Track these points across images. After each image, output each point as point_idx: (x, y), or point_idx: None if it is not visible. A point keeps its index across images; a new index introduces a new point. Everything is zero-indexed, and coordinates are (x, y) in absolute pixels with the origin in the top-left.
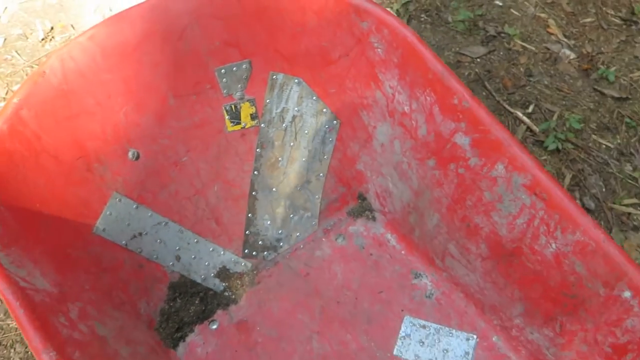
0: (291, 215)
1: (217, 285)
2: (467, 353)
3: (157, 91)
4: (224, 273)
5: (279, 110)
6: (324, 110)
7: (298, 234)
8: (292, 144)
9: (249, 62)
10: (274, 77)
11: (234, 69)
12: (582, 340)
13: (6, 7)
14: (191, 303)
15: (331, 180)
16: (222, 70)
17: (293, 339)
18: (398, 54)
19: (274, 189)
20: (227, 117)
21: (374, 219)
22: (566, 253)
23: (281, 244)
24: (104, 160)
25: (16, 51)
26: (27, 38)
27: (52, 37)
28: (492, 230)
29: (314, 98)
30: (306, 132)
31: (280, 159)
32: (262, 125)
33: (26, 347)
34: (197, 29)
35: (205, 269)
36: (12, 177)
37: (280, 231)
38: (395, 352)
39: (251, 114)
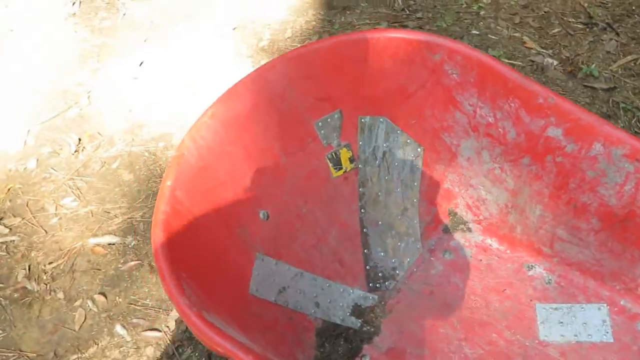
0: (399, 244)
1: (355, 322)
2: (604, 321)
3: (271, 153)
4: (357, 310)
5: (371, 150)
6: (408, 140)
7: (408, 259)
8: (386, 177)
9: (339, 112)
10: (363, 120)
11: (329, 120)
12: None
13: (29, 130)
14: (338, 345)
15: (423, 204)
16: (320, 124)
17: (445, 351)
18: (474, 74)
19: (380, 222)
20: (330, 164)
21: (469, 230)
22: None
23: (397, 271)
24: (243, 224)
25: (52, 168)
26: (59, 154)
27: (83, 147)
28: (602, 203)
29: (398, 132)
30: (396, 164)
31: (379, 193)
32: (360, 166)
33: None
34: (293, 91)
35: (341, 309)
36: (184, 253)
37: (393, 260)
38: (541, 338)
39: (349, 158)
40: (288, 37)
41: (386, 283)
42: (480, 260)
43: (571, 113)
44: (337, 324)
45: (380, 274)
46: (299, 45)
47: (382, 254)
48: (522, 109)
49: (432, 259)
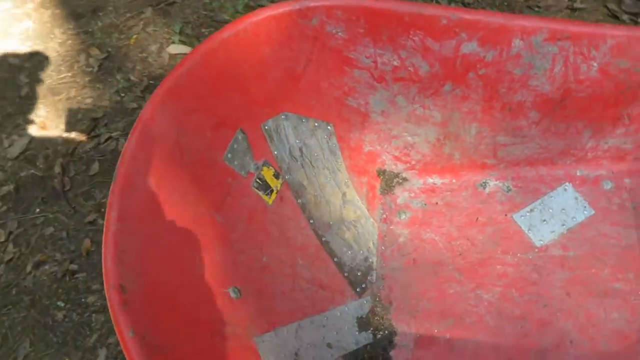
0: (357, 232)
1: (367, 336)
2: (576, 198)
3: (203, 220)
4: (361, 322)
5: (287, 153)
6: (316, 124)
7: (371, 241)
8: (313, 173)
9: (241, 131)
10: (266, 127)
11: (235, 146)
12: None
13: None
14: None
15: (354, 179)
16: (229, 155)
17: (468, 309)
18: (362, 24)
19: (331, 222)
20: (261, 194)
21: (405, 179)
22: (608, 62)
23: (370, 259)
24: (227, 320)
25: None
26: None
27: None
28: (536, 94)
29: (304, 120)
30: (316, 154)
31: (316, 194)
32: (287, 176)
33: None
34: (186, 135)
35: (350, 333)
36: None
37: (361, 251)
38: (538, 245)
39: (273, 175)
40: (52, 71)
41: (368, 278)
42: (436, 203)
43: (479, 22)
44: (356, 350)
45: (359, 273)
46: (61, 75)
47: (349, 252)
48: (428, 37)
49: (391, 227)
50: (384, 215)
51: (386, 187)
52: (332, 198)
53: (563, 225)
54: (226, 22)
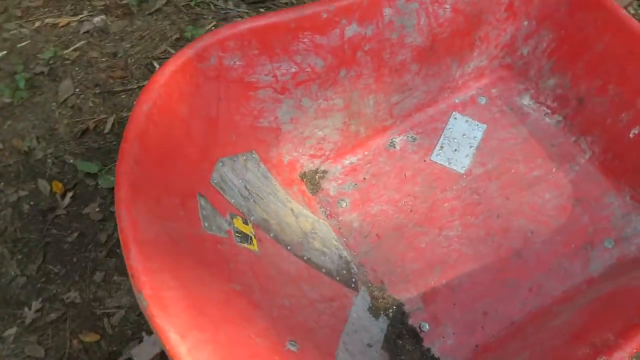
0: (319, 238)
1: (384, 319)
2: (466, 121)
3: (229, 295)
4: (373, 311)
5: (240, 195)
6: (244, 157)
7: (332, 237)
8: (263, 204)
9: (200, 195)
10: (214, 181)
11: (204, 212)
12: None
13: None
14: (401, 347)
15: (289, 192)
16: (205, 224)
17: (445, 251)
18: (254, 45)
19: (300, 239)
20: (245, 245)
21: (325, 172)
22: (456, 0)
23: (343, 255)
24: None
25: None
26: None
27: None
28: (412, 48)
29: (234, 159)
30: (257, 185)
31: (277, 221)
32: (251, 218)
33: None
34: (166, 224)
35: (372, 325)
36: None
37: (333, 253)
38: (463, 171)
39: (243, 222)
40: None
41: (352, 271)
42: (364, 178)
43: (353, 3)
44: (385, 336)
45: (344, 272)
46: None
47: (326, 258)
48: (315, 35)
49: (340, 219)
50: (327, 211)
51: (312, 186)
52: (287, 219)
53: (471, 147)
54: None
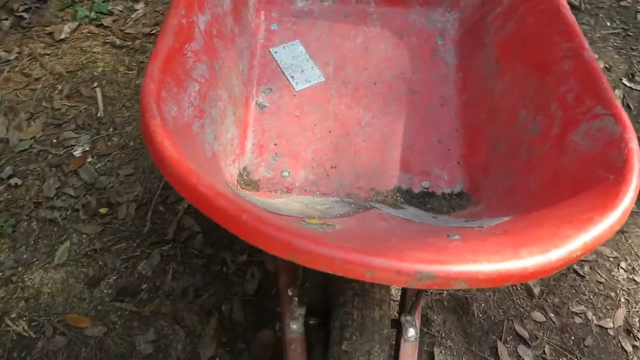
0: (306, 203)
1: (404, 205)
2: (312, 67)
3: None
4: (391, 208)
5: None
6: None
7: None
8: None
9: None
10: None
11: None
12: None
13: None
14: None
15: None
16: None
17: (355, 123)
18: (171, 86)
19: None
20: None
21: (245, 168)
22: None
23: (331, 199)
24: None
25: None
26: None
27: None
28: (228, 12)
29: None
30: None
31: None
32: None
33: None
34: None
35: (399, 212)
36: None
37: (321, 202)
38: (325, 79)
39: None
40: None
41: (351, 203)
42: (275, 144)
43: None
44: (413, 206)
45: (352, 205)
46: None
47: (334, 211)
48: (190, 43)
49: (296, 184)
50: (284, 189)
51: (252, 186)
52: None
53: (307, 60)
54: None
